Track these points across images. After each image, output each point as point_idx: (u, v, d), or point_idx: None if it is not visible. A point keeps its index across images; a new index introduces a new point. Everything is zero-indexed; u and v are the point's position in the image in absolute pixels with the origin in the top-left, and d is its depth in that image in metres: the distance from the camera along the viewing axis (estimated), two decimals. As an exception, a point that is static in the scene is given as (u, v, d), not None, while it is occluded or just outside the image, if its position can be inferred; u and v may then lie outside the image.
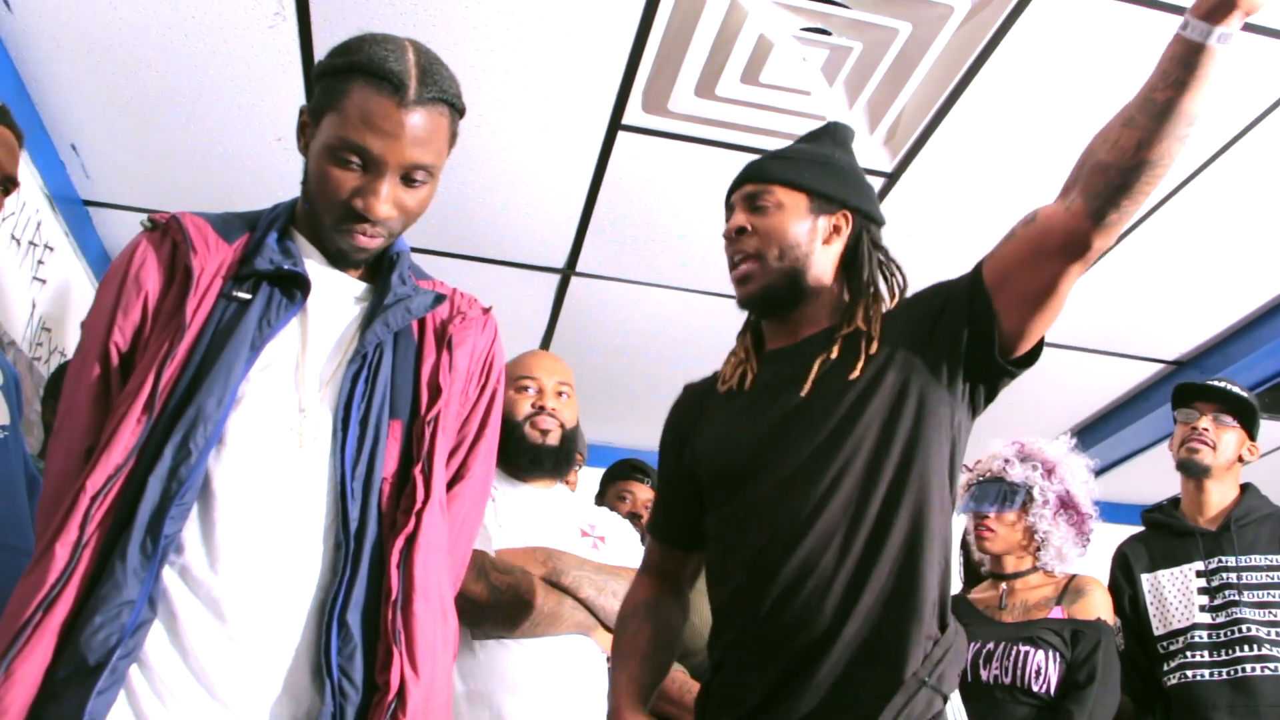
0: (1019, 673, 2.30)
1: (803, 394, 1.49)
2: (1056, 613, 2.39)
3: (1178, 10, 2.29)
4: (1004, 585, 2.49)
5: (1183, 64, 1.32)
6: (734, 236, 1.58)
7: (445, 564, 1.32)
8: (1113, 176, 1.38)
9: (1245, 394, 2.73)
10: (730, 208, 1.63)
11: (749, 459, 1.51)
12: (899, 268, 1.63)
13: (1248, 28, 2.33)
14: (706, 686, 1.55)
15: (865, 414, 1.45)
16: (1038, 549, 2.47)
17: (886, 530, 1.40)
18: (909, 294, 1.60)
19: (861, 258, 1.59)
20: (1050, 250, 1.40)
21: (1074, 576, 2.48)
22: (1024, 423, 4.41)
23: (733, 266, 1.59)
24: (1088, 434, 4.41)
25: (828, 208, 1.57)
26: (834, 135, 1.70)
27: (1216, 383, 2.77)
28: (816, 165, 1.61)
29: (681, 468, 1.64)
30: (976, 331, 1.45)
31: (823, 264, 1.57)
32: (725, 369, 1.63)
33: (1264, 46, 2.39)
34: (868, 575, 1.39)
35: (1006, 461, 2.51)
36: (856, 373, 1.46)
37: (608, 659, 2.01)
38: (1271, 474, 4.00)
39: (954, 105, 2.62)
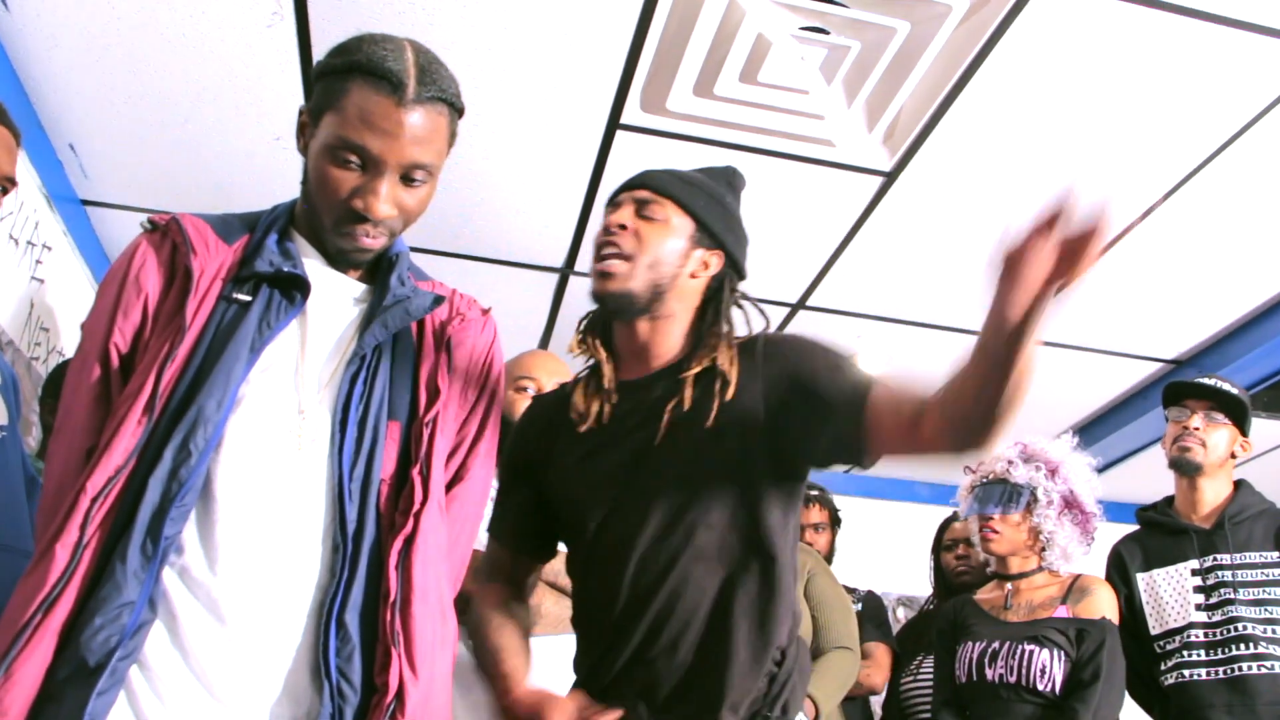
0: (1024, 672, 2.31)
1: (655, 441, 1.50)
2: (1061, 612, 2.40)
3: (1176, 10, 2.29)
4: (1009, 585, 2.50)
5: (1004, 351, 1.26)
6: (614, 230, 1.56)
7: (444, 565, 1.32)
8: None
9: (1236, 391, 2.73)
10: (615, 205, 1.61)
11: (600, 500, 1.52)
12: (760, 310, 1.63)
13: (1246, 26, 2.34)
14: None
15: (717, 466, 1.47)
16: (1042, 549, 2.48)
17: (739, 581, 1.46)
18: (769, 332, 1.60)
19: (722, 298, 1.60)
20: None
21: (1079, 576, 2.49)
22: (1023, 422, 4.42)
23: (597, 258, 1.57)
24: (1087, 433, 4.42)
25: (706, 242, 1.59)
26: (730, 179, 1.71)
27: (1207, 380, 2.76)
28: (712, 200, 1.62)
29: (531, 483, 1.63)
30: (838, 441, 1.46)
31: (684, 291, 1.58)
32: (577, 399, 1.60)
33: (1262, 45, 2.39)
34: (725, 628, 1.44)
35: (1010, 463, 2.52)
36: (710, 421, 1.47)
37: None
38: (1270, 474, 4.01)
39: (952, 104, 2.62)
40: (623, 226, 1.56)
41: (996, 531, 2.48)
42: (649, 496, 1.48)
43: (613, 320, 1.62)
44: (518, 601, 1.68)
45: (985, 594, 2.58)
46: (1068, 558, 2.47)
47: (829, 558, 3.19)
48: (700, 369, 1.52)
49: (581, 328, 1.67)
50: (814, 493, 3.23)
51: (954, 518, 3.12)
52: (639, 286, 1.54)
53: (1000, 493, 2.50)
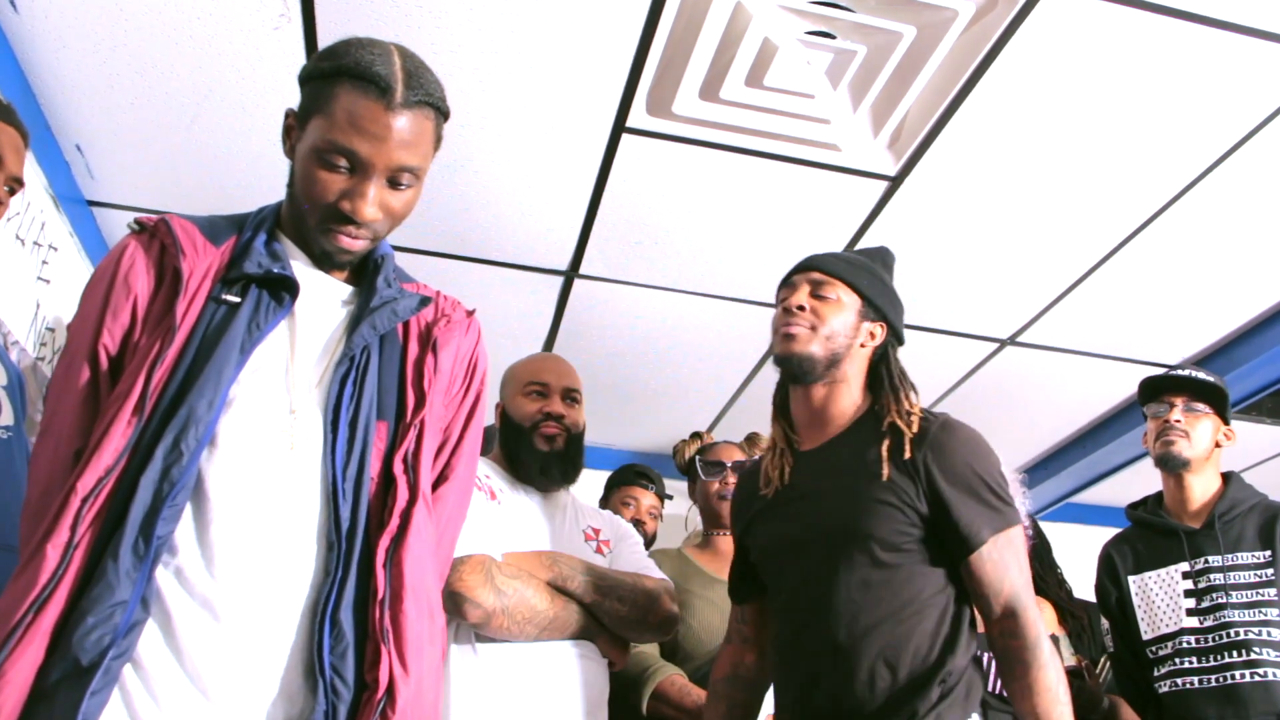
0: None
1: (827, 501, 1.73)
2: None
3: (1182, 15, 2.29)
4: None
5: None
6: (794, 310, 1.81)
7: (432, 563, 1.33)
8: None
9: (1213, 378, 2.68)
10: (791, 285, 1.86)
11: (788, 557, 1.78)
12: (913, 387, 1.84)
13: (1252, 32, 2.33)
14: None
15: (894, 517, 1.67)
16: None
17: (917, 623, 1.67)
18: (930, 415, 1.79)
19: (889, 363, 1.85)
20: None
21: None
22: (1028, 425, 4.42)
23: (781, 327, 1.82)
24: (1089, 438, 4.41)
25: (872, 315, 1.84)
26: (884, 258, 1.96)
27: (1182, 371, 2.73)
28: (873, 277, 1.87)
29: (742, 547, 1.94)
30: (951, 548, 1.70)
31: (855, 360, 1.83)
32: (767, 467, 1.86)
33: (1268, 52, 2.39)
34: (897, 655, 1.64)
35: None
36: (885, 475, 1.68)
37: (610, 663, 2.01)
38: (1274, 479, 3.99)
39: (958, 109, 2.62)
40: (801, 308, 1.81)
41: None
42: (834, 554, 1.69)
43: (791, 386, 1.86)
44: (745, 662, 1.95)
45: None
46: None
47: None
48: (886, 426, 1.74)
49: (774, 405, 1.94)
50: None
51: None
52: (819, 353, 1.78)
53: None
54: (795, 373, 1.81)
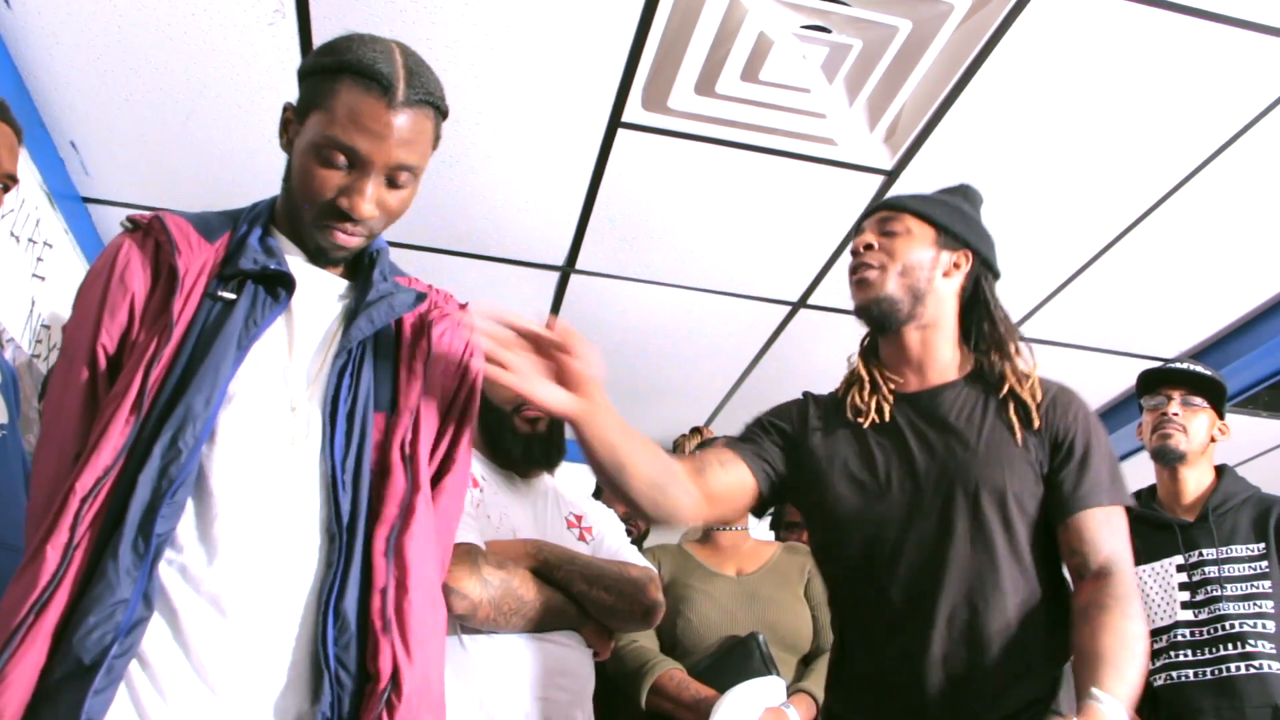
0: None
1: (968, 450, 1.57)
2: None
3: (1178, 9, 2.29)
4: None
5: None
6: (860, 251, 1.68)
7: (433, 552, 1.33)
8: None
9: (1211, 373, 2.69)
10: (860, 231, 1.73)
11: (892, 506, 1.59)
12: (1021, 335, 1.70)
13: (1248, 25, 2.33)
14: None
15: (1029, 475, 1.56)
16: None
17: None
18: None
19: (984, 297, 1.69)
20: None
21: None
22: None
23: (853, 276, 1.68)
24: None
25: (952, 244, 1.68)
26: (967, 193, 1.82)
27: (1181, 364, 2.73)
28: (948, 208, 1.72)
29: (785, 449, 1.71)
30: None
31: (942, 294, 1.67)
32: (855, 397, 1.68)
33: (1264, 45, 2.39)
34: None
35: None
36: (1018, 443, 1.56)
37: (595, 654, 2.00)
38: (1271, 473, 4.01)
39: (954, 103, 2.62)
40: (869, 246, 1.67)
41: None
42: (948, 506, 1.55)
43: (879, 335, 1.71)
44: (694, 475, 1.63)
45: None
46: None
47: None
48: (1004, 394, 1.60)
49: (855, 358, 1.76)
50: None
51: None
52: (896, 292, 1.64)
53: None
54: (880, 320, 1.67)
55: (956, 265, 1.68)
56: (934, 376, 1.66)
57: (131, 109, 2.72)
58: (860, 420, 1.66)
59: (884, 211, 1.72)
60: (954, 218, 1.71)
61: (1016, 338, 1.68)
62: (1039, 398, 1.60)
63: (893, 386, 1.68)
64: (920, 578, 1.53)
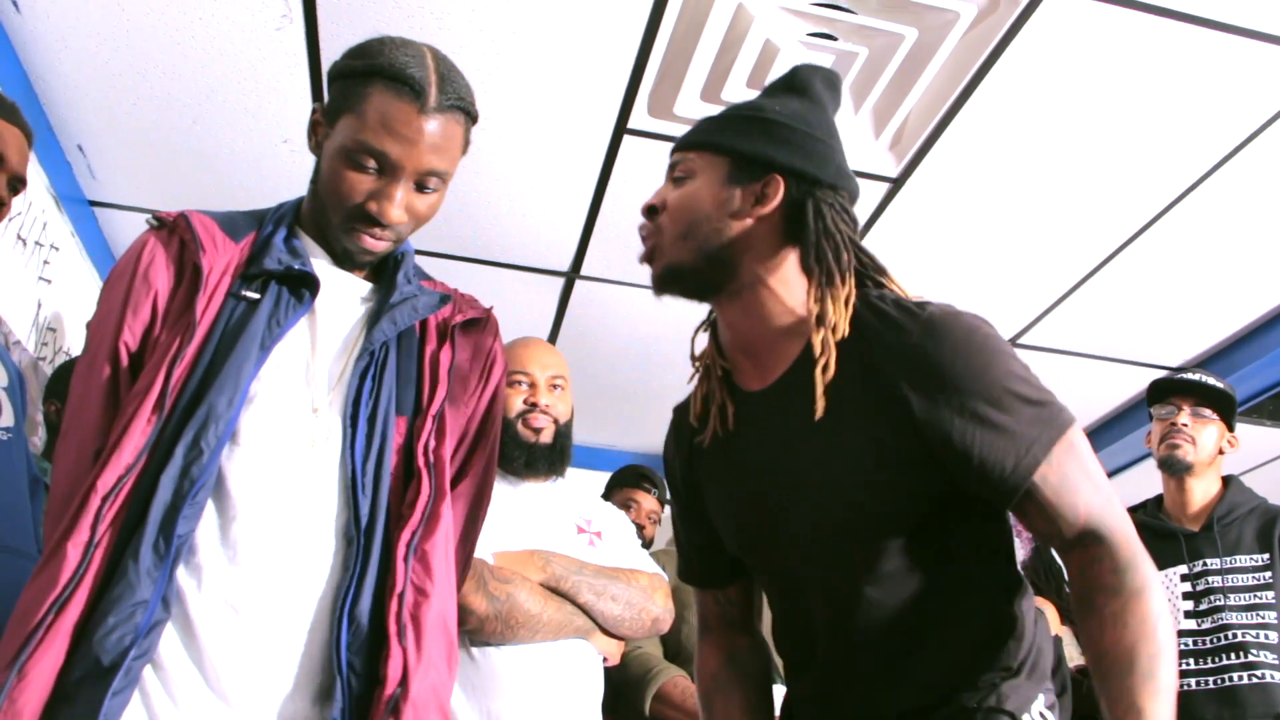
0: None
1: (806, 457, 1.24)
2: None
3: (1183, 18, 2.29)
4: None
5: None
6: (644, 216, 1.32)
7: (451, 558, 1.32)
8: None
9: (1222, 384, 2.68)
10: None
11: (749, 533, 1.34)
12: (867, 255, 1.30)
13: (1253, 35, 2.34)
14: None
15: (894, 486, 1.22)
16: None
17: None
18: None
19: (807, 222, 1.24)
20: None
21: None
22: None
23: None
24: (1090, 440, 4.40)
25: (747, 173, 1.25)
26: (792, 83, 1.33)
27: (1192, 375, 2.72)
28: (746, 122, 1.28)
29: (693, 506, 1.44)
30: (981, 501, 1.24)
31: (757, 244, 1.25)
32: (695, 402, 1.39)
33: (1270, 54, 2.39)
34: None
35: None
36: (866, 429, 1.20)
37: (604, 660, 2.00)
38: (1275, 482, 3.99)
39: (959, 111, 2.62)
40: (651, 210, 1.31)
41: None
42: (800, 540, 1.26)
43: (715, 321, 1.37)
44: (738, 650, 1.46)
45: None
46: None
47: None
48: (851, 354, 1.20)
49: (696, 340, 1.41)
50: None
51: None
52: (685, 256, 1.26)
53: None
54: (679, 295, 1.30)
55: (759, 199, 1.24)
56: (770, 359, 1.28)
57: (139, 113, 2.72)
58: (700, 440, 1.35)
59: (673, 156, 1.32)
60: (750, 135, 1.26)
61: (848, 252, 1.24)
62: (885, 344, 1.18)
63: (731, 377, 1.34)
64: (817, 607, 1.28)
